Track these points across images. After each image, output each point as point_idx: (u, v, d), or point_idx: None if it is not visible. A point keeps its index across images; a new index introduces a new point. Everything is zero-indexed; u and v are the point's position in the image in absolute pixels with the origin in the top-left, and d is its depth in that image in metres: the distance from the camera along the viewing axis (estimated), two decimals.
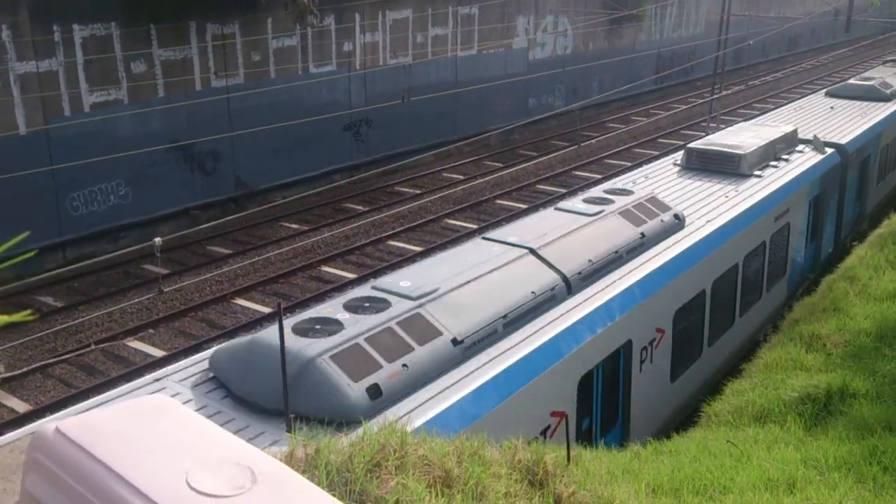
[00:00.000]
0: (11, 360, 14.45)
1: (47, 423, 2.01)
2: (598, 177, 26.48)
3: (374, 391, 6.55)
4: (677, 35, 41.64)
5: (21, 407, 13.14)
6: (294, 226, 21.78)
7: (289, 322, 7.06)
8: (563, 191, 24.93)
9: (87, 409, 6.51)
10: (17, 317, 0.92)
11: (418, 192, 24.83)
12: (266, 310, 16.56)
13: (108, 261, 18.46)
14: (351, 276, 18.30)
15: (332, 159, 25.12)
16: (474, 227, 21.67)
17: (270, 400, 6.30)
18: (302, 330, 6.97)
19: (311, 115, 23.44)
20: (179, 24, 20.12)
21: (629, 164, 28.15)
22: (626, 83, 36.56)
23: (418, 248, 19.99)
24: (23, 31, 17.32)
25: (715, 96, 30.70)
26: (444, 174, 26.92)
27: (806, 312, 13.29)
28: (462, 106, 29.06)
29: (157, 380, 7.08)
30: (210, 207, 21.88)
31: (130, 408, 2.48)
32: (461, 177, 26.51)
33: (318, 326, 7.06)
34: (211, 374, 7.14)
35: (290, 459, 4.38)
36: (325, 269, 18.91)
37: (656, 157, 29.25)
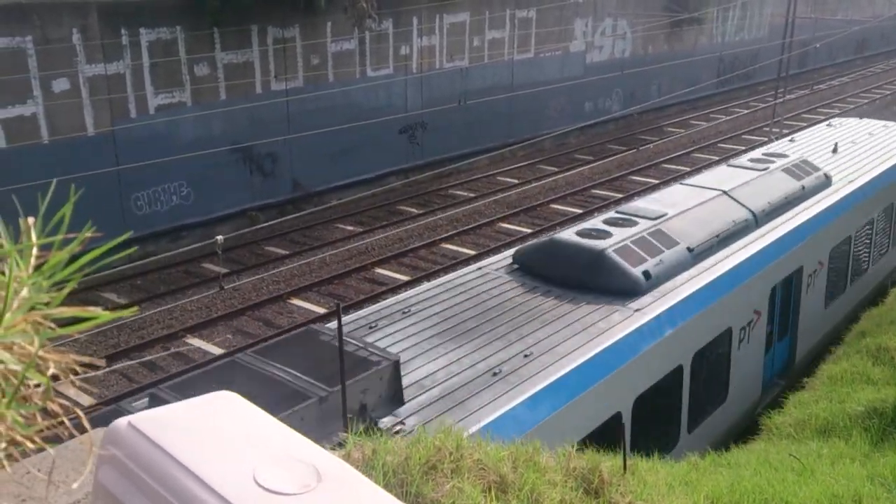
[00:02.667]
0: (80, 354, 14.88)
1: (121, 417, 2.05)
2: (656, 182, 26.10)
3: (647, 275, 9.64)
4: (739, 38, 40.80)
5: (85, 400, 13.54)
6: (349, 227, 21.99)
7: (572, 229, 10.45)
8: (620, 196, 24.64)
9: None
10: (125, 312, 0.93)
11: (472, 195, 24.82)
12: (321, 310, 16.75)
13: (170, 259, 18.94)
14: (404, 278, 18.39)
15: (387, 162, 25.30)
16: (528, 230, 21.57)
17: (568, 279, 9.58)
18: (584, 234, 10.16)
19: (367, 119, 23.66)
20: (241, 28, 20.51)
21: (688, 169, 27.69)
22: (686, 87, 36.01)
23: (472, 252, 19.98)
24: (92, 35, 17.87)
25: (778, 101, 29.99)
26: (499, 178, 26.86)
27: (873, 324, 12.88)
28: (517, 109, 28.97)
29: (480, 268, 10.45)
30: (268, 209, 22.23)
31: (200, 403, 2.52)
32: (515, 181, 26.42)
33: (594, 232, 10.24)
34: (515, 266, 10.39)
35: (347, 459, 4.40)
36: (379, 270, 19.03)
37: (716, 163, 28.71)
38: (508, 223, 22.35)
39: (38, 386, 0.78)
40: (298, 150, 22.59)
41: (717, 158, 29.16)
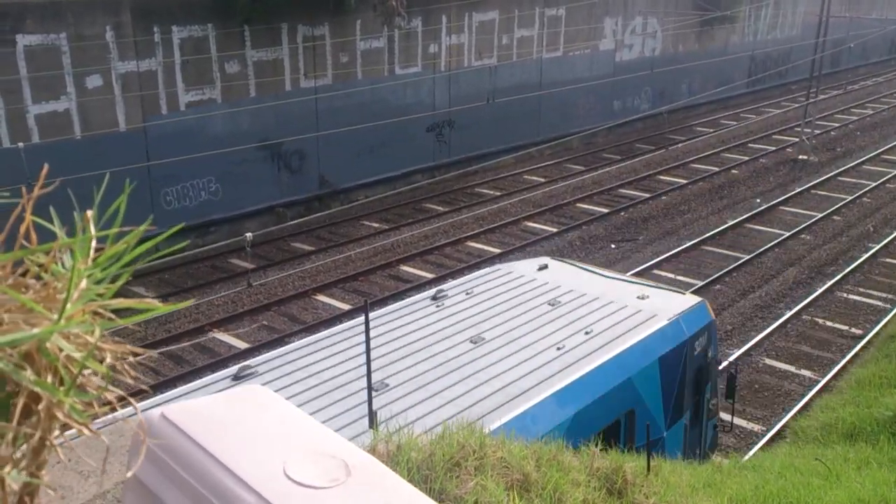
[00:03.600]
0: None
1: (153, 408, 2.10)
2: (684, 181, 25.93)
3: None
4: (772, 37, 40.32)
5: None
6: (375, 225, 22.09)
7: None
8: (647, 195, 24.51)
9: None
10: (180, 305, 0.98)
11: (498, 193, 24.81)
12: (346, 306, 16.86)
13: (198, 254, 19.17)
14: (429, 276, 18.44)
15: (414, 160, 25.36)
16: (554, 230, 21.52)
17: None
18: None
19: (395, 116, 23.73)
20: (271, 26, 20.67)
21: (717, 168, 27.46)
22: (717, 86, 35.67)
23: (497, 250, 19.99)
24: (125, 32, 18.12)
25: (811, 100, 29.61)
26: (525, 176, 26.82)
27: None
28: (545, 108, 28.89)
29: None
30: (295, 205, 22.41)
31: (231, 396, 2.57)
32: (542, 179, 26.36)
33: None
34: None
35: (372, 454, 4.45)
36: (404, 268, 19.10)
37: (746, 163, 28.44)
38: (534, 222, 22.32)
39: (94, 375, 0.82)
40: (326, 147, 22.73)
41: (746, 158, 28.88)
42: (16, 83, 16.55)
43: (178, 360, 14.90)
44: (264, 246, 20.05)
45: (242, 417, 2.59)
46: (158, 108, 19.12)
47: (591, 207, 23.59)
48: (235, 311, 16.65)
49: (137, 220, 0.97)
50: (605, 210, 23.18)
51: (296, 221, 21.04)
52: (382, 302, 16.90)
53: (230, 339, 15.60)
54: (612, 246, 20.99)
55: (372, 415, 6.17)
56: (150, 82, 18.83)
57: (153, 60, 18.77)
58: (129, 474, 2.24)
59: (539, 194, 24.29)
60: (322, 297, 17.47)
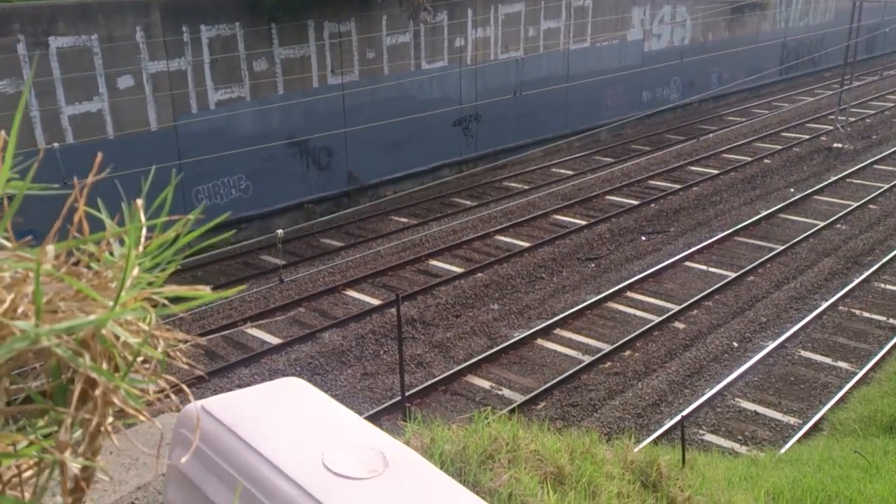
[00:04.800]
0: None
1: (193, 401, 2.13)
2: (716, 172, 25.63)
3: None
4: (804, 23, 39.65)
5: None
6: (403, 220, 22.14)
7: None
8: (677, 186, 24.27)
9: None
10: (231, 291, 0.99)
11: (526, 187, 24.73)
12: (375, 301, 16.93)
13: (229, 251, 19.36)
14: (458, 270, 18.45)
15: (441, 154, 25.36)
16: (583, 223, 21.41)
17: None
18: None
19: (421, 111, 23.75)
20: (298, 24, 20.78)
21: (749, 158, 27.12)
22: (748, 74, 35.20)
23: (526, 244, 19.93)
24: (155, 32, 18.33)
25: (845, 88, 29.08)
26: (553, 169, 26.69)
27: None
28: (573, 100, 28.71)
29: None
30: (324, 201, 22.53)
31: (269, 388, 2.60)
32: (570, 172, 26.22)
33: None
34: None
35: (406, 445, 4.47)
36: (433, 262, 19.12)
37: (779, 152, 28.06)
38: (563, 215, 22.21)
39: (145, 362, 0.83)
40: (354, 143, 22.82)
41: (779, 147, 28.48)
42: (49, 84, 16.83)
43: (212, 354, 15.07)
44: (294, 242, 20.19)
45: (281, 409, 2.62)
46: (188, 106, 19.32)
47: (620, 199, 23.41)
48: (267, 306, 16.79)
49: (156, 202, 0.98)
50: (636, 202, 22.99)
51: (325, 218, 21.16)
52: (412, 297, 16.96)
53: (262, 335, 15.74)
54: (643, 238, 20.82)
55: (405, 408, 6.20)
56: (179, 81, 19.03)
57: (183, 60, 18.97)
58: (183, 460, 2.27)
59: (568, 187, 24.16)
60: (352, 293, 17.56)
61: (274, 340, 15.43)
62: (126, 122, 18.17)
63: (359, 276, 18.19)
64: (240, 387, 13.34)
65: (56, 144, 16.40)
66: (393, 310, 16.03)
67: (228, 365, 14.33)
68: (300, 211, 21.98)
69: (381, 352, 15.23)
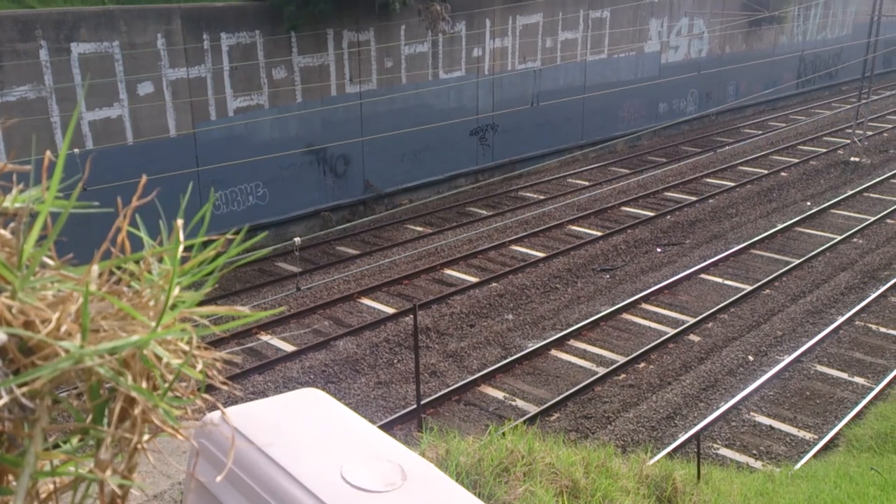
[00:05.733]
0: None
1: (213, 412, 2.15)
2: (732, 184, 25.52)
3: None
4: (822, 37, 39.48)
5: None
6: (419, 228, 22.17)
7: None
8: (693, 198, 24.18)
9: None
10: (273, 312, 1.00)
11: (542, 197, 24.71)
12: (390, 310, 16.94)
13: (252, 255, 19.41)
14: (473, 279, 18.44)
15: (457, 164, 25.40)
16: (598, 233, 21.36)
17: None
18: None
19: (438, 121, 23.80)
20: (318, 32, 20.91)
21: (765, 171, 26.99)
22: (765, 87, 35.07)
23: (541, 254, 19.90)
24: (175, 40, 18.50)
25: (863, 101, 28.91)
26: (569, 180, 26.66)
27: None
28: (590, 111, 28.70)
29: None
30: (340, 209, 22.60)
31: (288, 399, 2.62)
32: (586, 183, 26.18)
33: None
34: None
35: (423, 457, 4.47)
36: (448, 272, 19.13)
37: (795, 165, 27.93)
38: (578, 226, 22.17)
39: (183, 380, 0.85)
40: (370, 151, 22.90)
41: (796, 161, 28.32)
42: (71, 90, 17.01)
43: (226, 362, 15.08)
44: (310, 250, 20.26)
45: (299, 420, 2.64)
46: (208, 113, 19.46)
47: (636, 211, 23.35)
48: (282, 313, 16.84)
49: (186, 224, 1.00)
50: (651, 213, 22.92)
51: (341, 226, 21.22)
52: (427, 306, 16.97)
53: (278, 343, 15.79)
54: (658, 250, 20.75)
55: (420, 419, 6.20)
56: (199, 89, 19.17)
57: (202, 67, 19.12)
58: (218, 480, 2.28)
59: (583, 198, 24.13)
60: (367, 301, 17.59)
61: (289, 348, 15.47)
62: (145, 129, 18.33)
63: (374, 284, 18.22)
64: (254, 395, 13.38)
65: (76, 150, 16.56)
66: (407, 318, 16.05)
67: (243, 372, 14.38)
68: (316, 218, 22.06)
69: (395, 360, 15.23)
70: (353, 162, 22.77)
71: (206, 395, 0.87)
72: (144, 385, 0.79)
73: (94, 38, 17.17)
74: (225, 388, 0.88)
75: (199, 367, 0.86)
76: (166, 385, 0.80)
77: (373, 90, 22.53)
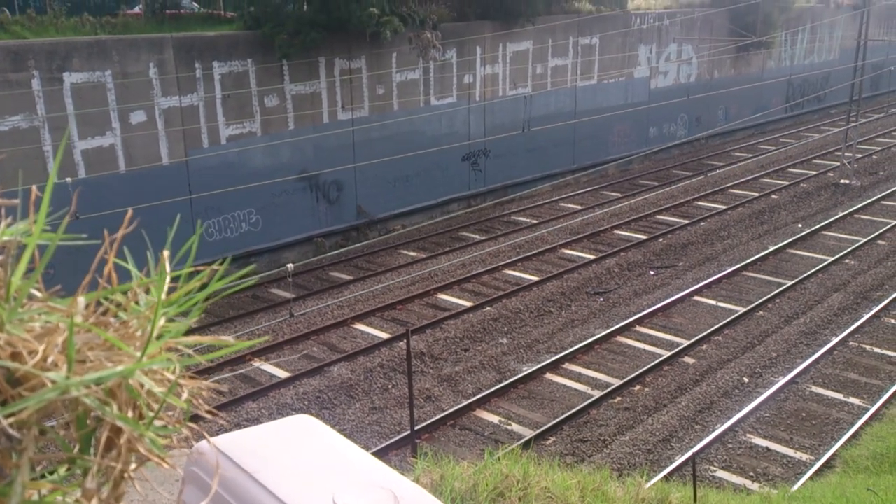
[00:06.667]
0: None
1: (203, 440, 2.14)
2: (723, 207, 25.66)
3: None
4: (809, 62, 39.95)
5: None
6: (412, 253, 22.19)
7: None
8: (685, 221, 24.29)
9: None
10: (257, 341, 1.02)
11: (535, 221, 24.79)
12: (384, 335, 16.91)
13: (238, 285, 19.38)
14: (467, 304, 18.43)
15: (450, 189, 25.50)
16: (591, 257, 21.41)
17: None
18: None
19: (430, 146, 23.93)
20: (310, 61, 21.06)
21: (756, 194, 27.15)
22: (754, 111, 35.40)
23: (535, 278, 19.92)
24: (168, 69, 18.60)
25: (851, 124, 29.19)
26: (562, 204, 26.77)
27: None
28: (580, 136, 28.90)
29: None
30: (333, 235, 22.63)
31: (280, 426, 2.61)
32: (578, 207, 26.29)
33: None
34: None
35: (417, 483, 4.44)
36: (442, 296, 19.12)
37: (786, 188, 28.11)
38: (571, 249, 22.23)
39: (169, 409, 0.86)
40: (363, 177, 22.97)
41: (786, 183, 28.52)
42: (63, 120, 17.05)
43: (215, 391, 15.03)
44: (303, 276, 20.24)
45: (292, 447, 2.63)
46: (200, 141, 19.52)
47: (628, 234, 23.43)
48: (276, 340, 16.78)
49: (180, 251, 1.01)
50: (644, 236, 23.01)
51: (334, 252, 21.22)
52: (421, 330, 16.94)
53: (271, 369, 15.72)
54: (652, 272, 20.79)
55: (414, 445, 6.17)
56: (191, 117, 19.25)
57: (195, 95, 19.21)
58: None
59: (576, 222, 24.21)
60: (361, 326, 17.55)
61: (282, 374, 15.39)
62: (138, 157, 18.36)
63: (368, 309, 18.20)
64: (248, 421, 13.27)
65: (69, 179, 16.57)
66: (401, 343, 16.00)
67: (236, 399, 14.29)
68: (310, 244, 22.07)
69: (390, 385, 15.17)
70: (345, 188, 22.84)
71: (191, 424, 0.88)
72: (130, 414, 0.80)
73: (87, 68, 17.26)
74: (209, 417, 0.89)
75: (185, 395, 0.87)
76: (152, 414, 0.81)
77: (365, 117, 22.67)
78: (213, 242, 20.12)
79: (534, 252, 21.72)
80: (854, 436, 13.19)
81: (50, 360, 0.78)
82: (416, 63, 23.32)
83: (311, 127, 21.51)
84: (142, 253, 1.02)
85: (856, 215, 25.38)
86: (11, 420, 0.74)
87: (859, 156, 30.81)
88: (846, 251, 21.85)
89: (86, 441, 0.80)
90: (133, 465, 0.82)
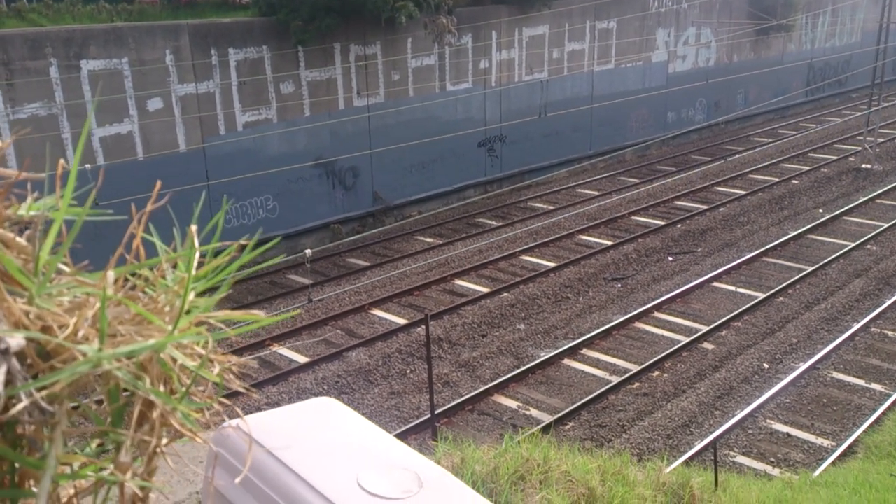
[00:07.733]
0: None
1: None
2: (743, 192, 25.43)
3: None
4: (830, 45, 39.40)
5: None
6: (429, 240, 22.18)
7: None
8: (704, 207, 24.10)
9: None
10: (286, 315, 1.01)
11: (552, 207, 24.69)
12: (401, 320, 16.93)
13: (257, 270, 19.48)
14: (484, 290, 18.42)
15: (466, 175, 25.44)
16: (609, 243, 21.31)
17: None
18: None
19: (446, 132, 23.86)
20: (325, 47, 21.02)
21: (776, 179, 26.89)
22: (774, 95, 35.00)
23: (552, 264, 19.86)
24: (184, 56, 18.63)
25: (873, 108, 28.79)
26: (579, 190, 26.64)
27: None
28: (597, 121, 28.70)
29: None
30: (349, 221, 22.66)
31: (304, 408, 2.61)
32: (596, 192, 26.15)
33: None
34: None
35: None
36: (459, 282, 19.11)
37: (806, 173, 27.82)
38: (588, 235, 22.13)
39: (200, 384, 0.85)
40: (379, 164, 22.96)
41: (807, 168, 28.21)
42: (81, 107, 17.14)
43: (240, 374, 15.10)
44: (321, 262, 20.29)
45: (315, 428, 2.63)
46: (217, 128, 19.57)
47: (646, 220, 23.29)
48: (295, 325, 16.86)
49: (205, 229, 1.00)
50: (662, 222, 22.86)
51: (351, 238, 21.25)
52: (439, 316, 16.95)
53: (290, 354, 15.80)
54: (670, 258, 20.67)
55: (434, 428, 6.18)
56: (208, 104, 19.30)
57: (211, 82, 19.25)
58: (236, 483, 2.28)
59: (593, 207, 24.09)
60: (378, 312, 17.59)
61: (301, 359, 15.47)
62: (155, 144, 18.44)
63: (385, 295, 18.23)
64: (268, 405, 13.37)
65: (88, 166, 16.67)
66: (419, 329, 16.04)
67: (256, 383, 14.38)
68: (326, 231, 22.12)
69: (408, 371, 15.21)
70: (361, 174, 22.84)
71: (223, 399, 0.87)
72: (162, 389, 0.79)
73: (104, 55, 17.32)
74: (243, 391, 0.88)
75: (216, 370, 0.86)
76: (184, 389, 0.80)
77: (380, 103, 22.62)
78: (230, 229, 20.19)
79: (551, 238, 21.65)
80: (877, 422, 13.08)
81: (81, 333, 0.77)
82: (431, 48, 23.22)
83: (326, 113, 21.50)
84: (166, 233, 1.01)
85: (877, 200, 25.08)
86: (44, 393, 0.74)
87: (881, 140, 30.40)
88: (868, 236, 21.61)
89: (118, 415, 0.79)
90: (165, 440, 0.82)
